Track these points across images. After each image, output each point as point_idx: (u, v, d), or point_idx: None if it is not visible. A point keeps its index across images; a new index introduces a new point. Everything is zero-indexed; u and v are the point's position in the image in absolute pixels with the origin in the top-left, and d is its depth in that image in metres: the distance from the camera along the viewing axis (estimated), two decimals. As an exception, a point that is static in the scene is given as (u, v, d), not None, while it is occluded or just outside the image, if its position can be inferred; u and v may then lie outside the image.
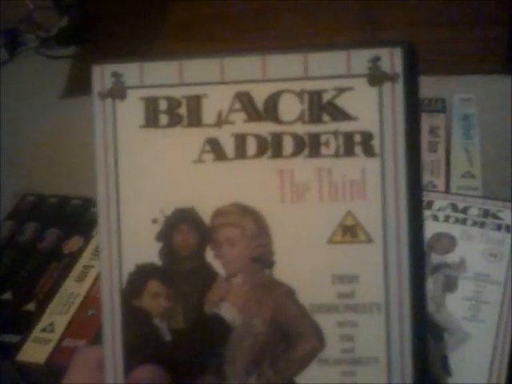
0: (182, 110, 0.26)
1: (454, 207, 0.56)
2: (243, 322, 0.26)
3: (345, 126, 0.25)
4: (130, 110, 0.26)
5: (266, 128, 0.25)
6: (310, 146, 0.25)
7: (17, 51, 1.18)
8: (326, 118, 0.25)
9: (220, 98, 0.25)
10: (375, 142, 0.25)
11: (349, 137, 0.25)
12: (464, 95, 0.73)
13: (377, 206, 0.25)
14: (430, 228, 0.55)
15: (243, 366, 0.26)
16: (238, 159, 0.25)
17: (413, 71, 0.24)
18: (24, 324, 0.52)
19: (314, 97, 0.25)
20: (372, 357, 0.25)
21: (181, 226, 0.26)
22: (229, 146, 0.25)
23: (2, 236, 0.63)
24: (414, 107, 0.25)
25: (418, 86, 0.25)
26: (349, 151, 0.25)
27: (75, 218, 0.64)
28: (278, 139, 0.25)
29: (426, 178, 0.63)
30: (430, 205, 0.56)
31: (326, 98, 0.25)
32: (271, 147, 0.25)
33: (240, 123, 0.25)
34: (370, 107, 0.25)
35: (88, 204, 0.66)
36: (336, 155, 0.25)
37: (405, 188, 0.25)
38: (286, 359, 0.25)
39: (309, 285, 0.25)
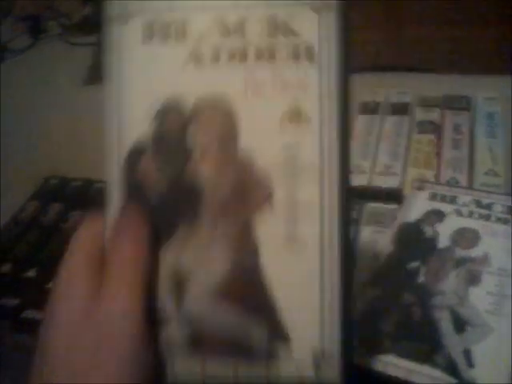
0: (172, 30, 0.35)
1: (478, 203, 0.56)
2: (215, 179, 0.34)
3: (293, 40, 0.34)
4: (132, 31, 0.35)
5: (235, 42, 0.34)
6: (268, 54, 0.34)
7: (39, 37, 1.19)
8: (279, 34, 0.34)
9: (201, 22, 0.35)
10: (315, 52, 0.34)
11: (296, 47, 0.34)
12: (488, 94, 0.73)
13: (315, 96, 0.34)
14: (454, 223, 0.55)
15: (214, 210, 0.34)
16: (213, 64, 0.34)
17: (345, 1, 0.34)
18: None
19: (271, 19, 0.34)
20: (309, 202, 0.33)
21: (169, 113, 0.34)
22: (207, 55, 0.34)
23: (27, 215, 0.64)
24: (343, 27, 0.34)
25: (348, 12, 0.34)
26: (296, 58, 0.34)
27: (98, 201, 0.65)
28: (244, 50, 0.34)
29: (449, 174, 0.64)
30: (453, 200, 0.56)
31: (280, 20, 0.34)
32: (238, 55, 0.34)
33: (216, 39, 0.34)
34: (312, 27, 0.34)
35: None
36: (287, 60, 0.34)
37: (335, 83, 0.33)
38: (246, 204, 0.34)
39: (264, 151, 0.34)
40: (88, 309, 0.31)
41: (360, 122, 0.72)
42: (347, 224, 0.33)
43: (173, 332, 0.34)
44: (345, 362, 0.33)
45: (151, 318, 0.32)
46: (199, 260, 0.34)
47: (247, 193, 0.34)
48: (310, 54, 0.34)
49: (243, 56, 0.34)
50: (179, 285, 0.34)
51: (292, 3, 0.34)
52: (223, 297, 0.34)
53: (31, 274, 0.57)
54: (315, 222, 0.33)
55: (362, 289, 0.51)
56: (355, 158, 0.67)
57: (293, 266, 0.33)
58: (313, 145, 0.33)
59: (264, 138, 0.34)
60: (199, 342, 0.34)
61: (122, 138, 0.34)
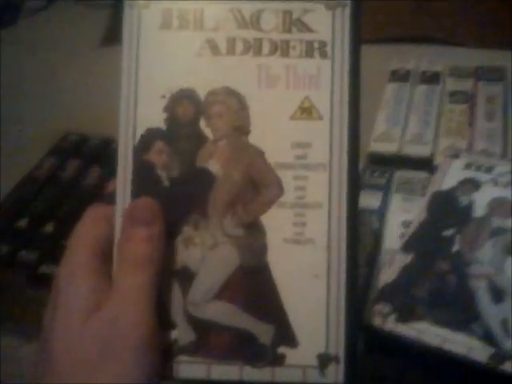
0: (190, 17, 0.35)
1: (516, 174, 0.54)
2: (224, 174, 0.34)
3: (307, 36, 0.35)
4: (152, 16, 0.35)
5: (250, 34, 0.35)
6: (282, 48, 0.35)
7: (54, -1, 1.16)
8: (294, 29, 0.35)
9: (218, 12, 0.35)
10: (328, 49, 0.34)
11: (309, 44, 0.34)
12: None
13: (327, 93, 0.34)
14: (490, 192, 0.53)
15: (222, 207, 0.34)
16: (228, 55, 0.35)
17: (358, 0, 0.35)
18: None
19: (287, 14, 0.35)
20: (318, 202, 0.34)
21: (182, 101, 0.34)
22: (222, 46, 0.35)
23: (43, 171, 0.62)
24: (356, 26, 0.34)
25: (360, 11, 0.34)
26: (309, 54, 0.34)
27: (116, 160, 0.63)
28: (259, 43, 0.35)
29: (482, 144, 0.62)
30: (489, 169, 0.54)
31: (295, 15, 0.35)
32: (253, 48, 0.35)
33: (232, 29, 0.35)
34: (326, 24, 0.34)
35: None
36: (300, 56, 0.34)
37: (347, 80, 0.34)
38: (254, 203, 0.34)
39: (274, 148, 0.34)
40: (92, 307, 0.30)
41: (389, 90, 0.70)
42: (356, 224, 0.33)
43: (178, 334, 0.33)
44: (351, 366, 0.32)
45: (159, 319, 0.32)
46: (206, 259, 0.34)
47: (256, 190, 0.34)
48: (323, 51, 0.34)
49: (258, 49, 0.35)
50: (185, 285, 0.34)
51: (308, 0, 0.35)
52: (229, 298, 0.33)
53: (48, 228, 0.56)
54: (323, 221, 0.33)
55: (391, 256, 0.49)
56: (384, 126, 0.65)
57: (299, 266, 0.33)
58: (323, 142, 0.34)
59: (274, 135, 0.34)
60: (204, 345, 0.33)
61: (136, 122, 0.34)
